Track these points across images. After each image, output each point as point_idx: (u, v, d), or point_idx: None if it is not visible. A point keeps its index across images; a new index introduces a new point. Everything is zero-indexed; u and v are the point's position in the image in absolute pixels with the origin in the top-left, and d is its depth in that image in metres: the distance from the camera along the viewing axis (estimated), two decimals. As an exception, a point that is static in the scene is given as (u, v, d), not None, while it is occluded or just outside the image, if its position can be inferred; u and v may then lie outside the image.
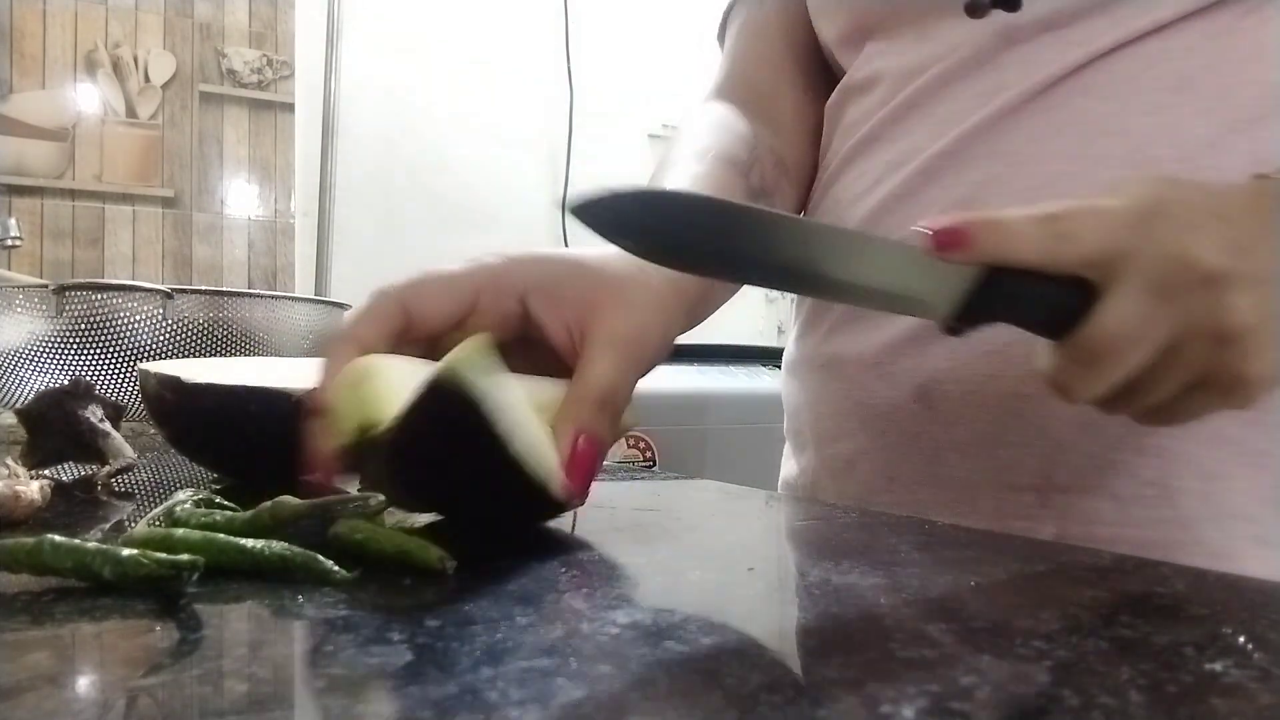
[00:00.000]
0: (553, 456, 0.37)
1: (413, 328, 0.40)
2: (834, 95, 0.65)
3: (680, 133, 0.65)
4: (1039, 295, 0.39)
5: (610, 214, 0.36)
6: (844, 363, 0.59)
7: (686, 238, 0.37)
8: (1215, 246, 0.38)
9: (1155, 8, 0.50)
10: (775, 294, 2.05)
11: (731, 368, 1.62)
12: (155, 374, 0.51)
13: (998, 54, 0.54)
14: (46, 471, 0.53)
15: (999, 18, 0.54)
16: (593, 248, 0.42)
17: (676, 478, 0.57)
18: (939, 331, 0.41)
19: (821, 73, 0.68)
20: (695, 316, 0.52)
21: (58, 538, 0.28)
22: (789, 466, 0.67)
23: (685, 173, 0.57)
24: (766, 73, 0.70)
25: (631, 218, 0.37)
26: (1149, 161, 0.50)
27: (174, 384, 0.50)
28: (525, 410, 0.37)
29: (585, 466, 0.38)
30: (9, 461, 0.43)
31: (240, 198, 1.83)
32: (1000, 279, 0.38)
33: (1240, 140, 0.49)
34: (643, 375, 0.43)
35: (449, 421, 0.33)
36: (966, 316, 0.39)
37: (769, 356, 1.67)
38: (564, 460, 0.38)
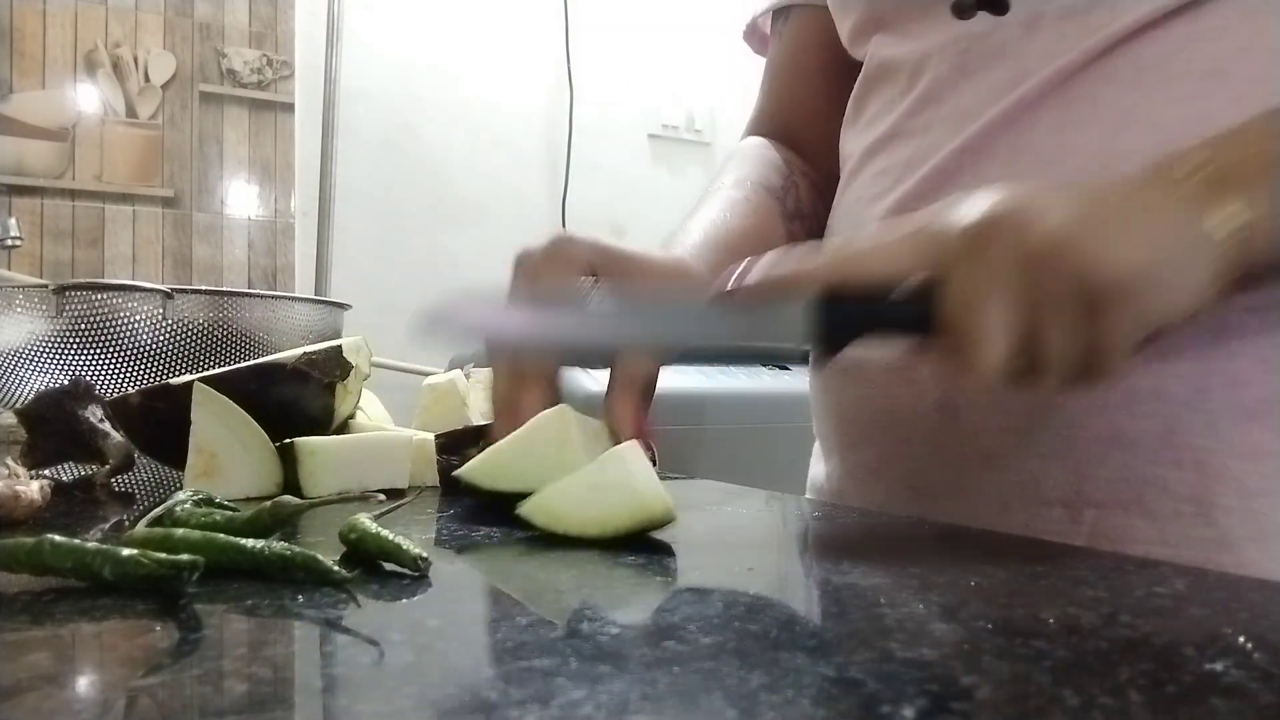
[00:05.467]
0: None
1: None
2: (855, 88, 0.63)
3: (723, 166, 0.70)
4: (883, 309, 0.41)
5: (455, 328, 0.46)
6: (867, 367, 0.57)
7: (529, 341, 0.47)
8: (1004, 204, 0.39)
9: None
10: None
11: (731, 368, 1.62)
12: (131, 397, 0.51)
13: (1018, 41, 0.51)
14: (46, 471, 0.52)
15: (1020, 7, 0.51)
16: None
17: (677, 478, 0.57)
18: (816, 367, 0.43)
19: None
20: None
21: (58, 538, 0.28)
22: (817, 469, 0.66)
23: (725, 199, 0.63)
24: (801, 101, 0.74)
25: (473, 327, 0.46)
26: None
27: (137, 395, 0.50)
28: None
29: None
30: (9, 461, 0.43)
31: (240, 198, 1.82)
32: (838, 304, 0.41)
33: None
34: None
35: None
36: (826, 342, 0.41)
37: (770, 356, 1.67)
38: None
